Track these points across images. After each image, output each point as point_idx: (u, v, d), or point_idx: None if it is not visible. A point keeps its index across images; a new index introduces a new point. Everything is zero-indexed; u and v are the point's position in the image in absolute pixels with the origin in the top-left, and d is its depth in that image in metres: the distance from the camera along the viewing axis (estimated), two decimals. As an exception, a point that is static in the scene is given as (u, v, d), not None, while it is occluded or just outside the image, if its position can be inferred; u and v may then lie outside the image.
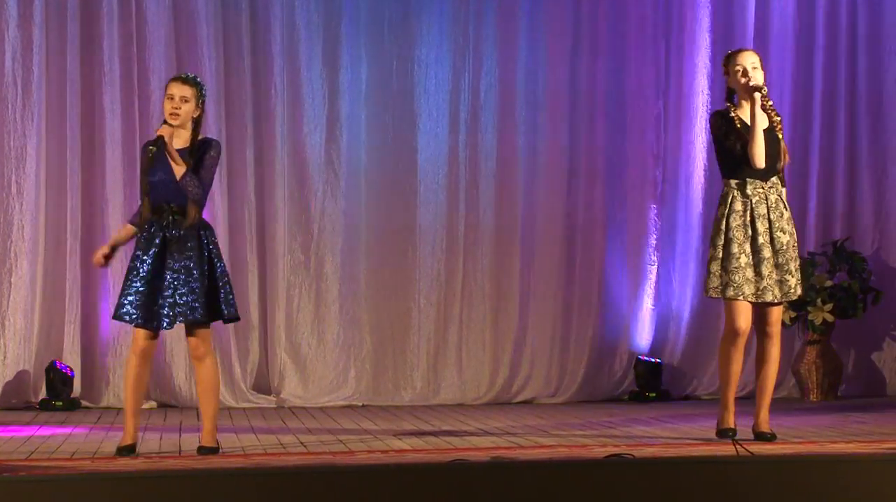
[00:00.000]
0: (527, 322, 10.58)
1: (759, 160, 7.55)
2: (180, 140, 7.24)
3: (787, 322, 10.31)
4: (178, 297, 7.14)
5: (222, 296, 7.27)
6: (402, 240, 10.53)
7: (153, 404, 10.17)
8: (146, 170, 7.22)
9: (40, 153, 10.08)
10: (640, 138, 10.70)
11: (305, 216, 10.42)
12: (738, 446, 6.36)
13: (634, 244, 10.70)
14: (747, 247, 7.60)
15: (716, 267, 7.62)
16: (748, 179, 7.62)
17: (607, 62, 10.69)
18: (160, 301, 7.16)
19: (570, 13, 10.66)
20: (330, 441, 7.95)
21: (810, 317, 10.34)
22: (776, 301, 7.64)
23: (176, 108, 7.21)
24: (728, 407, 7.72)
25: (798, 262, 7.71)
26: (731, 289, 7.57)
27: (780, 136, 7.69)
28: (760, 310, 7.69)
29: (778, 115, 7.71)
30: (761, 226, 7.60)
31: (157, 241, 7.18)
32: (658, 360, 10.59)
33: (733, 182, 7.66)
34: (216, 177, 10.06)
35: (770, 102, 7.67)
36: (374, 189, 10.52)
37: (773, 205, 7.64)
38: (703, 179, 10.65)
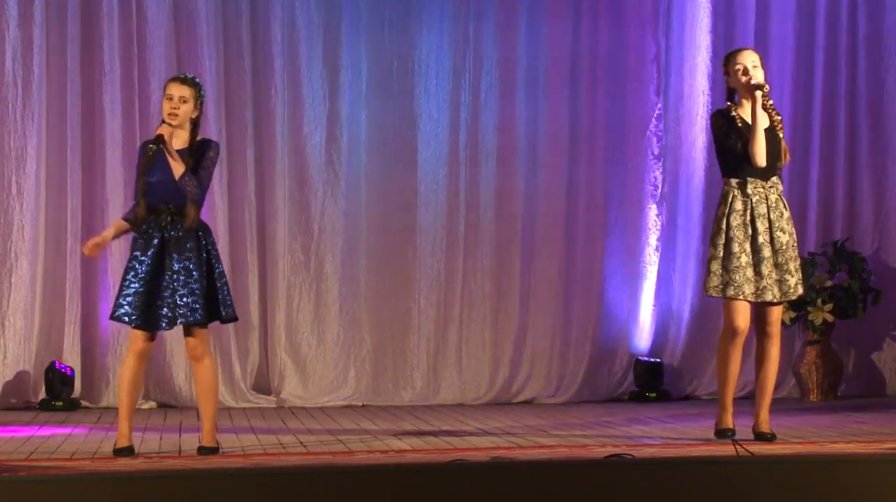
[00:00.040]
0: (527, 322, 10.58)
1: (761, 159, 7.55)
2: (179, 140, 7.24)
3: (787, 322, 10.31)
4: (178, 299, 7.14)
5: (221, 296, 7.28)
6: (402, 240, 10.53)
7: (153, 404, 10.18)
8: (145, 170, 7.21)
9: (40, 153, 10.08)
10: (640, 138, 10.70)
11: (305, 216, 10.42)
12: (738, 446, 6.36)
13: (634, 244, 10.70)
14: (747, 247, 7.60)
15: (716, 266, 7.62)
16: (749, 178, 7.62)
17: (608, 62, 10.69)
18: (159, 302, 7.16)
19: (570, 13, 10.65)
20: (330, 441, 7.95)
21: (810, 317, 10.34)
22: (776, 300, 7.64)
23: (175, 109, 7.21)
24: (726, 407, 7.72)
25: (798, 262, 7.71)
26: (732, 288, 7.57)
27: (781, 136, 7.69)
28: (760, 310, 7.69)
29: (778, 115, 7.71)
30: (761, 226, 7.60)
31: (155, 242, 7.18)
32: (658, 360, 10.59)
33: (734, 181, 7.66)
34: (216, 177, 10.15)
35: (770, 102, 7.67)
36: (374, 189, 10.52)
37: (774, 205, 7.64)
38: (703, 179, 10.65)
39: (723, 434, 7.65)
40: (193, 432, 7.89)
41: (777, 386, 10.12)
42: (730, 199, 7.64)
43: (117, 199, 10.05)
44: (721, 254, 7.61)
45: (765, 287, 7.58)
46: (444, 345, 10.53)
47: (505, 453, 7.09)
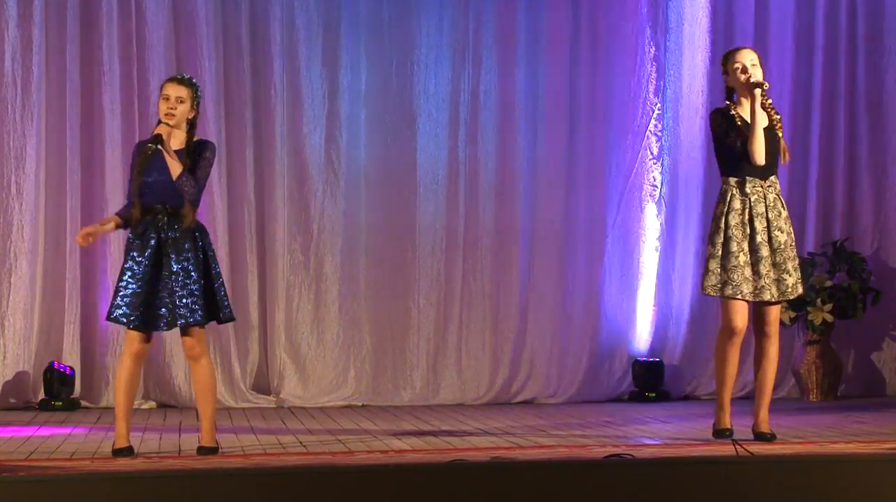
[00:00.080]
0: (526, 322, 10.58)
1: (760, 156, 7.55)
2: (176, 141, 7.24)
3: (787, 322, 10.31)
4: (177, 300, 7.14)
5: (218, 297, 7.28)
6: (402, 240, 10.53)
7: (153, 404, 10.18)
8: (141, 170, 7.20)
9: (40, 153, 10.08)
10: (640, 138, 10.70)
11: (305, 216, 10.42)
12: (737, 446, 6.36)
13: (634, 244, 10.71)
14: (745, 246, 7.60)
15: (714, 265, 7.62)
16: (747, 177, 7.62)
17: (607, 61, 10.69)
18: (157, 303, 7.16)
19: (570, 13, 10.66)
20: (329, 441, 7.95)
21: (810, 317, 10.34)
22: (773, 300, 7.64)
23: (172, 109, 7.22)
24: (724, 407, 7.72)
25: (796, 261, 7.70)
26: (730, 287, 7.57)
27: (780, 135, 7.69)
28: (758, 310, 7.69)
29: (777, 114, 7.71)
30: (759, 225, 7.60)
31: (152, 243, 7.17)
32: (658, 360, 10.59)
33: (732, 180, 7.65)
34: (215, 176, 10.19)
35: (769, 101, 7.68)
36: (374, 189, 10.52)
37: (772, 204, 7.64)
38: (702, 179, 10.65)
39: (721, 434, 7.64)
40: (193, 432, 7.88)
41: (777, 386, 10.15)
42: (728, 198, 7.63)
43: (117, 199, 10.04)
44: (719, 253, 7.61)
45: (763, 286, 7.58)
46: (443, 345, 10.53)
47: (505, 453, 7.09)
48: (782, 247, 7.62)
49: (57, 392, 9.88)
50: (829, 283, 10.39)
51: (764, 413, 7.69)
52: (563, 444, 7.59)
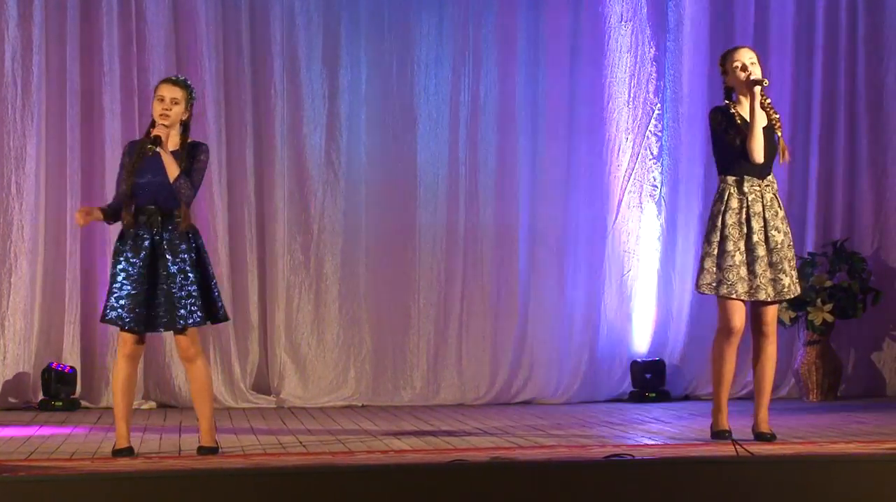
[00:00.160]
0: (526, 322, 10.57)
1: (758, 154, 7.55)
2: (170, 142, 7.24)
3: (787, 322, 10.31)
4: (175, 301, 7.14)
5: (213, 297, 7.28)
6: (402, 240, 10.53)
7: (153, 404, 10.18)
8: (134, 171, 7.19)
9: (40, 153, 10.08)
10: (640, 138, 10.70)
11: (305, 216, 10.42)
12: (737, 446, 6.36)
13: (634, 244, 10.70)
14: (742, 245, 7.60)
15: (710, 263, 7.62)
16: (745, 176, 7.62)
17: (607, 62, 10.69)
18: (155, 304, 7.15)
19: (570, 13, 10.66)
20: (329, 441, 7.95)
21: (810, 317, 10.34)
22: (770, 300, 7.64)
23: (166, 110, 7.21)
24: (721, 408, 7.71)
25: (794, 262, 7.70)
26: (725, 286, 7.57)
27: (780, 134, 7.69)
28: (756, 310, 7.69)
29: (776, 113, 7.71)
30: (756, 225, 7.60)
31: (146, 244, 7.17)
32: (658, 360, 10.58)
33: (730, 179, 7.66)
34: (215, 176, 10.20)
35: (768, 101, 7.68)
36: (374, 189, 10.52)
37: (769, 204, 7.64)
38: (702, 179, 10.65)
39: (719, 435, 7.64)
40: (193, 432, 7.88)
41: (777, 387, 10.16)
42: (726, 197, 7.64)
43: (117, 199, 10.05)
44: (715, 251, 7.62)
45: (758, 286, 7.58)
46: (444, 345, 10.53)
47: (505, 453, 7.09)
48: (779, 246, 7.62)
49: (57, 392, 9.88)
50: (829, 283, 10.39)
51: (763, 413, 7.69)
52: (563, 444, 7.59)
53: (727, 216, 7.60)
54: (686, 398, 10.66)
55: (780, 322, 10.11)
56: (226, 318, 7.41)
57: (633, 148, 10.72)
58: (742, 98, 7.67)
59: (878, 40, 10.85)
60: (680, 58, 10.77)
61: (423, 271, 10.54)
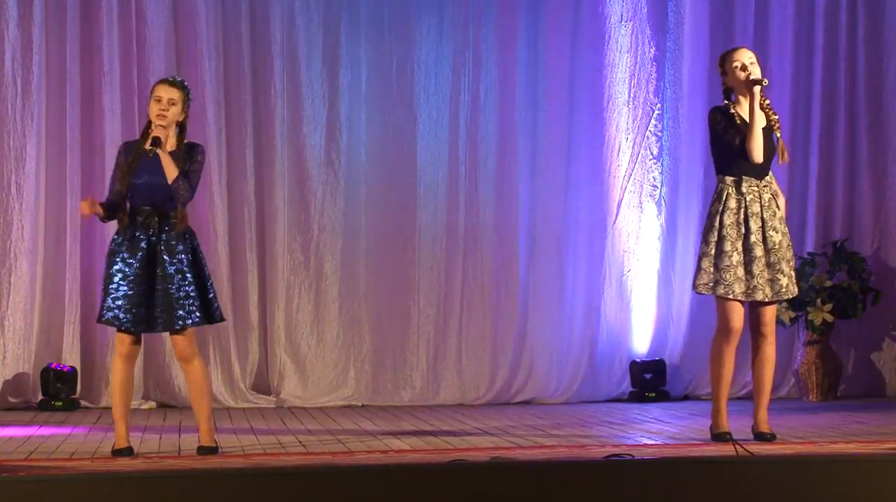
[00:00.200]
0: (526, 322, 10.57)
1: (758, 154, 7.55)
2: (167, 143, 7.23)
3: (787, 322, 10.31)
4: (174, 302, 7.14)
5: (209, 297, 7.28)
6: (402, 240, 10.53)
7: (153, 404, 10.18)
8: (131, 172, 7.18)
9: (40, 153, 10.08)
10: (640, 138, 10.70)
11: (305, 216, 10.42)
12: (737, 446, 6.36)
13: (634, 244, 10.70)
14: (739, 246, 7.60)
15: (707, 263, 7.62)
16: (744, 177, 7.62)
17: (607, 62, 10.69)
18: (152, 305, 7.15)
19: (570, 14, 10.65)
20: (329, 441, 7.95)
21: (810, 317, 10.34)
22: (767, 300, 7.63)
23: (164, 111, 7.20)
24: (721, 409, 7.70)
25: (792, 262, 7.69)
26: (722, 286, 7.57)
27: (779, 135, 7.69)
28: (754, 311, 7.68)
29: (775, 114, 7.71)
30: (754, 225, 7.60)
31: (143, 245, 7.16)
32: (658, 360, 10.58)
33: (729, 179, 7.65)
34: (216, 177, 10.20)
35: (767, 101, 7.68)
36: (374, 189, 10.52)
37: (767, 204, 7.64)
38: (702, 179, 10.65)
39: (719, 437, 7.63)
40: (193, 432, 7.88)
41: (777, 387, 10.17)
42: (724, 197, 7.63)
43: (117, 199, 10.05)
44: (713, 251, 7.61)
45: (755, 286, 7.58)
46: (443, 345, 10.53)
47: (505, 453, 7.09)
48: (777, 246, 7.62)
49: (57, 392, 9.88)
50: (829, 283, 10.39)
51: (763, 413, 7.69)
52: (563, 444, 7.59)
53: (725, 216, 7.60)
54: (686, 398, 10.66)
55: (780, 322, 10.12)
56: (222, 319, 7.41)
57: (633, 148, 10.71)
58: (741, 98, 7.67)
59: (878, 40, 10.85)
60: (680, 58, 10.77)
61: (423, 271, 10.54)
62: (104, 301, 7.18)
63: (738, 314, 7.61)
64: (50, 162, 10.12)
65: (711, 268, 7.61)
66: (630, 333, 10.69)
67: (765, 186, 7.65)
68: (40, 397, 9.95)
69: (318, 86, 10.44)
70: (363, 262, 10.49)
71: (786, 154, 7.73)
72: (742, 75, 7.60)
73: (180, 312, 7.15)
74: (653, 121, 10.73)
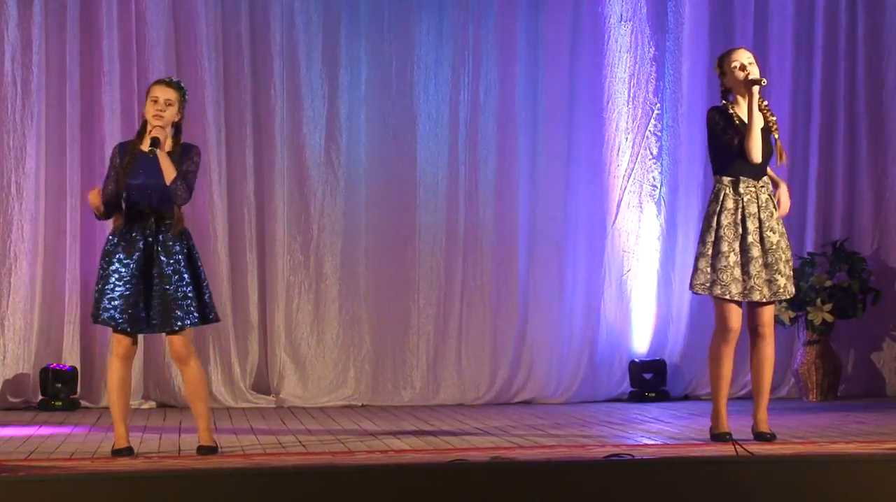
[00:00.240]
0: (526, 322, 10.57)
1: (756, 154, 7.54)
2: (165, 144, 7.22)
3: (787, 322, 10.31)
4: (171, 302, 7.14)
5: (205, 298, 7.28)
6: (402, 240, 10.53)
7: (153, 404, 10.18)
8: (127, 173, 7.17)
9: (40, 153, 10.08)
10: (640, 138, 10.71)
11: (305, 216, 10.43)
12: (737, 446, 6.36)
13: (634, 244, 10.71)
14: (736, 246, 7.59)
15: (704, 264, 7.62)
16: (741, 177, 7.62)
17: (607, 62, 10.69)
18: (149, 305, 7.14)
19: (570, 13, 10.66)
20: (329, 441, 7.95)
21: (810, 317, 10.34)
22: (765, 300, 7.63)
23: (160, 111, 7.20)
24: (721, 410, 7.69)
25: (790, 262, 7.68)
26: (719, 287, 7.57)
27: (777, 136, 7.69)
28: (752, 311, 7.67)
29: (773, 115, 7.71)
30: (751, 226, 7.59)
31: (140, 246, 7.15)
32: (658, 359, 10.58)
33: (726, 179, 7.65)
34: (216, 177, 10.20)
35: (765, 103, 7.67)
36: (374, 189, 10.52)
37: (764, 205, 7.64)
38: (701, 179, 10.65)
39: (719, 438, 7.62)
40: (193, 432, 7.87)
41: (777, 387, 10.18)
42: (721, 198, 7.63)
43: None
44: (710, 251, 7.61)
45: (752, 286, 7.57)
46: (443, 345, 10.53)
47: (505, 453, 7.08)
48: (774, 247, 7.61)
49: (56, 392, 9.88)
50: (829, 283, 10.39)
51: (762, 413, 7.68)
52: (563, 444, 7.59)
53: (722, 216, 7.60)
54: (686, 398, 10.66)
55: (779, 322, 10.13)
56: (217, 320, 7.41)
57: (632, 148, 10.72)
58: (740, 98, 7.66)
59: (878, 40, 10.85)
60: (680, 58, 10.77)
61: (423, 271, 10.54)
62: (100, 301, 7.17)
63: (735, 314, 7.61)
64: (50, 162, 10.12)
65: (708, 269, 7.60)
66: (630, 333, 10.70)
67: (762, 187, 7.65)
68: (40, 397, 9.95)
69: (318, 86, 10.44)
70: (363, 262, 10.49)
71: (784, 156, 7.73)
72: (741, 75, 7.60)
73: (178, 313, 7.15)
74: (653, 121, 10.73)
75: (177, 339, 7.22)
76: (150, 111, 7.21)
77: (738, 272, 7.57)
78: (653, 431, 8.41)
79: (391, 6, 10.54)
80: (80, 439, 8.13)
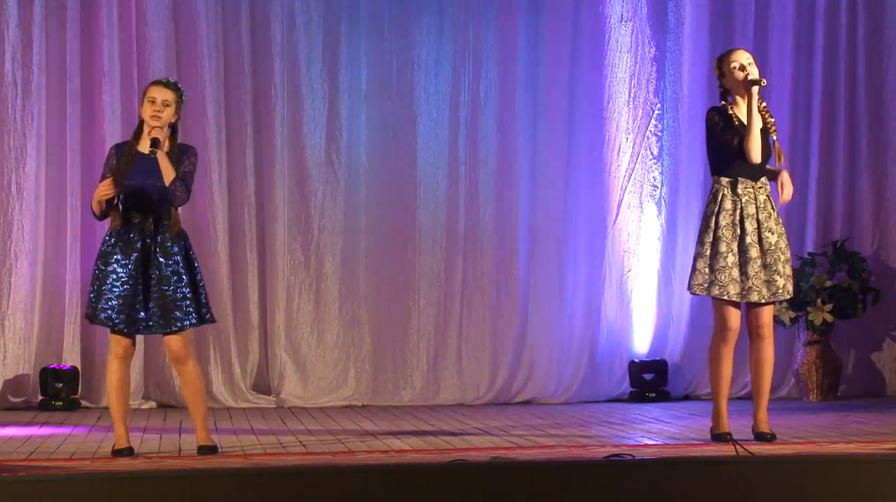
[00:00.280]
0: (527, 322, 10.57)
1: (756, 154, 7.54)
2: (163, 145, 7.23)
3: (787, 322, 10.31)
4: (170, 303, 7.14)
5: (202, 299, 7.28)
6: (402, 240, 10.53)
7: (153, 404, 10.18)
8: (124, 174, 7.16)
9: (40, 153, 10.08)
10: (640, 138, 10.70)
11: (305, 216, 10.43)
12: (737, 446, 6.36)
13: (634, 244, 10.70)
14: (735, 247, 7.59)
15: (702, 264, 7.62)
16: (739, 178, 7.62)
17: (607, 62, 10.69)
18: (147, 306, 7.13)
19: (570, 13, 10.66)
20: (330, 441, 7.95)
21: (810, 317, 10.34)
22: (763, 301, 7.62)
23: (158, 112, 7.19)
24: (721, 410, 7.69)
25: (789, 263, 7.68)
26: (717, 287, 7.57)
27: (775, 138, 7.68)
28: (750, 312, 7.67)
29: (772, 117, 7.70)
30: (749, 226, 7.59)
31: (137, 246, 7.15)
32: (658, 360, 10.58)
33: (724, 180, 7.65)
34: (216, 177, 10.21)
35: (763, 104, 7.67)
36: (374, 189, 10.52)
37: (762, 206, 7.64)
38: (702, 180, 10.65)
39: (719, 438, 7.62)
40: (193, 432, 7.85)
41: (777, 387, 10.18)
42: (720, 198, 7.63)
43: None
44: (708, 252, 7.61)
45: (750, 287, 7.57)
46: (443, 345, 10.53)
47: (505, 453, 7.08)
48: (773, 248, 7.61)
49: (57, 392, 9.88)
50: (829, 283, 10.39)
51: (762, 413, 7.68)
52: (563, 444, 7.59)
53: (721, 217, 7.60)
54: (686, 398, 10.66)
55: (780, 322, 10.13)
56: (213, 320, 7.41)
57: (633, 148, 10.71)
58: (739, 99, 7.66)
59: (878, 40, 10.85)
60: (680, 58, 10.77)
61: (423, 271, 10.54)
62: (97, 301, 7.16)
63: (734, 314, 7.62)
64: (50, 162, 10.12)
65: (706, 269, 7.60)
66: (630, 333, 10.70)
67: (760, 188, 7.65)
68: (40, 397, 9.95)
69: (318, 86, 10.44)
70: (363, 262, 10.49)
71: (782, 157, 7.73)
72: (740, 75, 7.60)
73: (177, 314, 7.15)
74: (653, 121, 10.73)
75: (175, 340, 7.22)
76: (147, 112, 7.21)
77: (736, 273, 7.57)
78: (653, 431, 8.41)
79: (391, 6, 10.54)
80: (80, 439, 8.13)
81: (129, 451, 7.22)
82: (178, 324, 7.17)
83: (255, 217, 10.38)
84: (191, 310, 7.17)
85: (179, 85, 7.34)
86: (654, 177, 10.74)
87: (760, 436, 7.59)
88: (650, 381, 10.50)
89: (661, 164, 10.75)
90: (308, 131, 10.43)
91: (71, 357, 10.06)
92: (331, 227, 10.45)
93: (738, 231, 7.59)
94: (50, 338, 10.12)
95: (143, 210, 7.17)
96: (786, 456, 6.59)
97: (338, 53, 10.47)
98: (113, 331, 7.19)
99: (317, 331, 10.42)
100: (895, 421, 8.77)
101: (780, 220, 7.71)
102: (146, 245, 7.17)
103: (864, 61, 10.86)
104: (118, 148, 7.33)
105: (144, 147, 7.19)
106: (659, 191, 10.75)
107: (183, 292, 7.16)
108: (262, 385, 10.40)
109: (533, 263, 10.62)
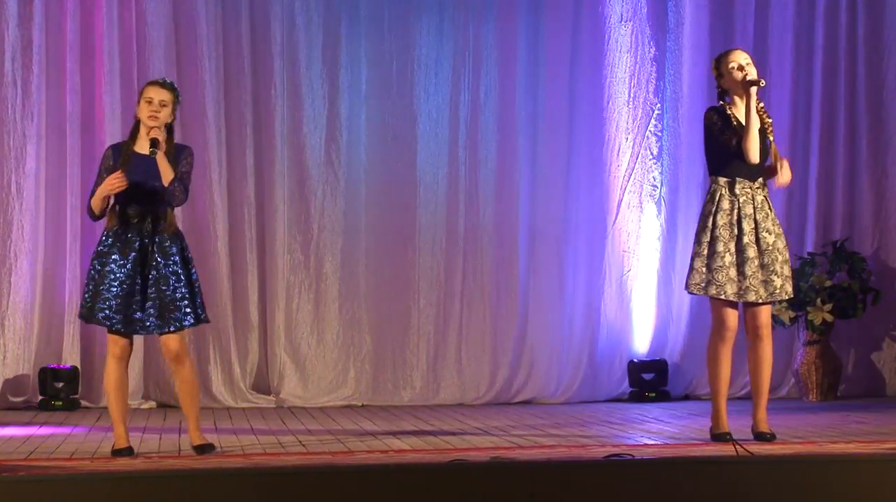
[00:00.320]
0: (526, 322, 10.57)
1: (755, 154, 7.54)
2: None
3: (787, 322, 10.31)
4: (169, 303, 7.14)
5: (198, 299, 7.28)
6: (402, 240, 10.53)
7: (153, 404, 10.18)
8: (124, 174, 7.16)
9: (40, 153, 10.08)
10: (640, 138, 10.70)
11: (305, 216, 10.43)
12: (737, 446, 6.36)
13: (634, 244, 10.71)
14: (732, 247, 7.59)
15: (699, 264, 7.62)
16: (737, 178, 7.62)
17: (607, 62, 10.69)
18: (145, 306, 7.13)
19: (570, 13, 10.66)
20: (329, 441, 7.95)
21: (810, 317, 10.34)
22: (761, 301, 7.62)
23: (155, 112, 7.20)
24: (720, 409, 7.70)
25: (787, 263, 7.67)
26: (714, 287, 7.57)
27: (772, 139, 7.68)
28: (749, 312, 7.67)
29: (769, 118, 7.70)
30: (747, 226, 7.59)
31: (135, 246, 7.15)
32: (658, 360, 10.58)
33: (722, 180, 7.65)
34: (216, 177, 10.21)
35: (761, 104, 7.67)
36: (374, 189, 10.52)
37: (760, 206, 7.64)
38: (702, 180, 10.64)
39: (719, 438, 7.62)
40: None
41: (777, 387, 10.18)
42: (717, 198, 7.63)
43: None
44: (705, 252, 7.61)
45: (748, 287, 7.57)
46: (443, 345, 10.53)
47: (505, 453, 7.08)
48: (770, 248, 7.61)
49: (57, 392, 9.88)
50: (829, 283, 10.39)
51: (762, 413, 7.69)
52: (563, 444, 7.59)
53: (718, 217, 7.60)
54: (686, 398, 10.66)
55: (779, 322, 10.13)
56: (208, 320, 7.42)
57: (633, 148, 10.71)
58: (738, 99, 7.66)
59: (878, 40, 10.85)
60: (680, 58, 10.77)
61: (423, 271, 10.54)
62: (94, 301, 7.16)
63: (731, 314, 7.62)
64: (50, 162, 10.11)
65: (704, 269, 7.61)
66: (630, 333, 10.70)
67: (758, 188, 7.65)
68: (40, 397, 9.95)
69: (318, 85, 10.44)
70: (363, 262, 10.49)
71: (778, 158, 7.71)
72: (739, 75, 7.60)
73: (176, 314, 7.16)
74: (653, 121, 10.73)
75: (173, 339, 7.22)
76: (144, 112, 7.21)
77: (733, 272, 7.57)
78: (653, 431, 8.41)
79: (391, 6, 10.54)
80: (80, 439, 8.13)
81: (128, 451, 7.22)
82: (177, 324, 7.17)
83: (255, 217, 10.38)
84: (188, 310, 7.18)
85: (175, 85, 7.34)
86: (653, 177, 10.74)
87: (760, 436, 7.59)
88: (650, 381, 10.50)
89: (661, 164, 10.75)
90: (308, 131, 10.43)
91: (71, 357, 10.06)
92: (331, 227, 10.45)
93: (736, 231, 7.59)
94: (50, 338, 10.12)
95: (141, 210, 7.17)
96: (785, 456, 6.59)
97: (338, 53, 10.47)
98: (110, 331, 7.19)
99: (317, 331, 10.42)
100: (895, 421, 8.77)
101: (778, 221, 7.72)
102: (144, 245, 7.17)
103: (864, 61, 10.86)
104: (115, 149, 7.33)
105: (141, 147, 7.20)
106: (658, 190, 10.75)
107: (182, 292, 7.17)
108: (262, 385, 10.40)
109: (533, 263, 10.62)
